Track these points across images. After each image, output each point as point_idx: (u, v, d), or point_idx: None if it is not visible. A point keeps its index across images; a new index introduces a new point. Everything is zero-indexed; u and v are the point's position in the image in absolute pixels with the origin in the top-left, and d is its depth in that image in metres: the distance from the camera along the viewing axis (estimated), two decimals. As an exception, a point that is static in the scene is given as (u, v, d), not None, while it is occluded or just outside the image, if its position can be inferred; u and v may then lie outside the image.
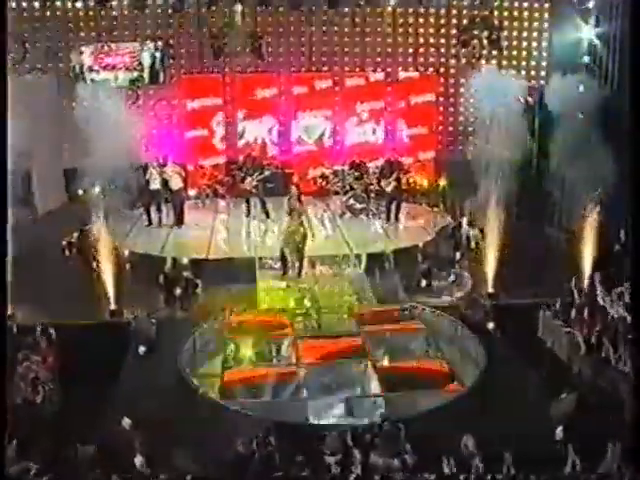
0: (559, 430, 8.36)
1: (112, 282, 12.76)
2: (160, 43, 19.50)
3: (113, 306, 12.48)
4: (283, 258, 13.47)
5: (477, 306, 12.47)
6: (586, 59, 17.12)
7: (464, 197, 16.77)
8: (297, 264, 13.39)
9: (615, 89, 16.67)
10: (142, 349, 10.93)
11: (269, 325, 11.09)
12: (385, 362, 10.22)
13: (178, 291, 13.09)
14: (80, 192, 17.32)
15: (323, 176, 19.15)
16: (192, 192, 19.30)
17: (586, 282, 12.61)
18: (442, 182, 19.44)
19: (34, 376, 9.82)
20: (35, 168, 18.39)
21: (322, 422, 8.76)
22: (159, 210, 17.16)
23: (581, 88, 16.54)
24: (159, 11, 19.66)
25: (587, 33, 17.01)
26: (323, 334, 11.03)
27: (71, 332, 11.21)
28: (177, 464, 7.60)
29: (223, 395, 9.25)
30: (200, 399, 9.23)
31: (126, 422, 8.45)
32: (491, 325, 11.79)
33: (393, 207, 16.81)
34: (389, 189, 16.81)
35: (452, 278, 13.83)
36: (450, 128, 20.96)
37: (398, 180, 16.95)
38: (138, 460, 7.72)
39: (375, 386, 9.46)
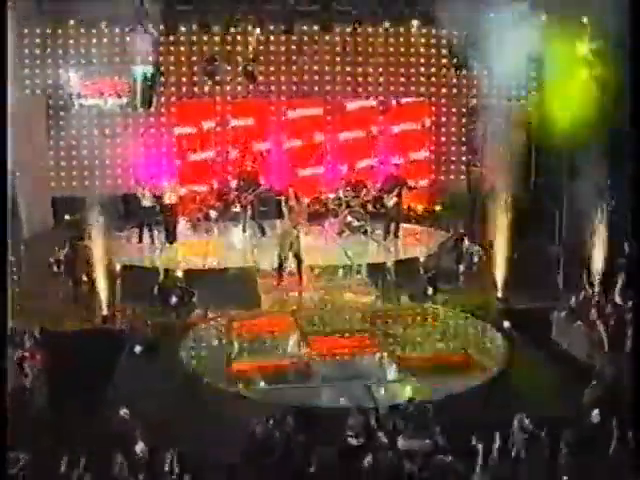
0: (595, 413, 7.82)
1: (104, 291, 12.20)
2: (151, 67, 19.23)
3: (105, 312, 11.83)
4: (280, 264, 12.97)
5: (490, 307, 12.01)
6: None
7: (461, 217, 16.64)
8: (296, 268, 12.87)
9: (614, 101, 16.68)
10: (138, 348, 10.29)
11: (273, 324, 10.57)
12: (401, 352, 9.69)
13: (174, 300, 12.51)
14: (67, 217, 16.92)
15: (318, 200, 18.74)
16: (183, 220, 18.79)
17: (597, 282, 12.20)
18: (437, 207, 19.27)
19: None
20: (21, 193, 18.05)
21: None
22: (150, 228, 16.58)
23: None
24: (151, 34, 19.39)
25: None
26: (331, 331, 10.51)
27: (63, 336, 10.59)
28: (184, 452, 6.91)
29: (230, 384, 8.66)
30: (206, 388, 8.61)
31: (124, 412, 7.84)
32: (507, 324, 11.30)
33: (392, 223, 16.39)
34: (390, 204, 16.48)
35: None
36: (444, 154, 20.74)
37: (399, 196, 16.59)
38: (139, 447, 7.06)
39: (393, 374, 8.92)
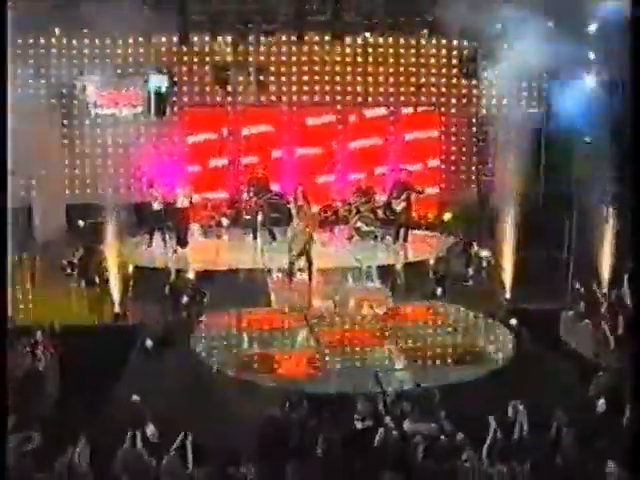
0: (601, 402, 7.90)
1: (116, 290, 12.39)
2: (164, 76, 19.56)
3: (117, 309, 12.01)
4: (290, 265, 13.12)
5: (497, 306, 12.14)
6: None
7: (472, 224, 16.79)
8: (307, 268, 13.00)
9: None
10: (149, 343, 10.45)
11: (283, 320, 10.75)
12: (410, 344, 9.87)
13: (185, 299, 12.69)
14: (81, 223, 17.14)
15: (329, 206, 18.93)
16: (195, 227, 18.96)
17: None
18: (448, 215, 19.38)
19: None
20: (36, 201, 18.38)
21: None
22: (163, 232, 16.76)
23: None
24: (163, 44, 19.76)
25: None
26: (340, 326, 10.67)
27: (76, 331, 10.78)
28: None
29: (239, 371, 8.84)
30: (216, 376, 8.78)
31: (135, 399, 7.98)
32: (514, 321, 11.42)
33: (402, 228, 16.54)
34: (399, 209, 16.61)
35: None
36: (454, 163, 20.89)
37: (408, 200, 16.69)
38: (149, 430, 7.18)
39: (402, 364, 9.07)
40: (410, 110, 20.20)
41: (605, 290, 12.30)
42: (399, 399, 7.66)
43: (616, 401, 7.99)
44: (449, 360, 9.94)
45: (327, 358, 9.82)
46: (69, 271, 14.90)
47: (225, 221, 19.15)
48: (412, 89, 20.31)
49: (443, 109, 20.53)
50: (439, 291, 13.32)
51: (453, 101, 20.70)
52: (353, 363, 9.49)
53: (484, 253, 15.23)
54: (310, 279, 13.16)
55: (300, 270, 13.24)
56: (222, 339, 11.10)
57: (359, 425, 7.10)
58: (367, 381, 8.66)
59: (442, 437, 6.75)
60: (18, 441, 6.73)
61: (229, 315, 11.91)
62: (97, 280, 13.59)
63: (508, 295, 12.97)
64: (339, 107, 20.14)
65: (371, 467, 5.76)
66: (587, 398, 8.47)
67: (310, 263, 13.18)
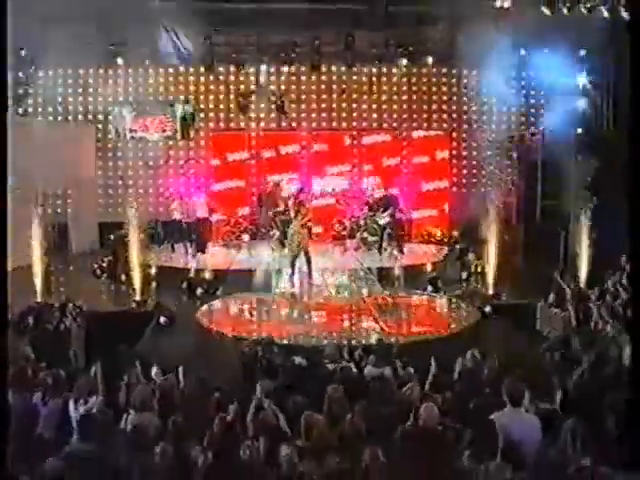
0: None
1: (138, 284, 13.85)
2: (190, 104, 21.38)
3: (138, 298, 13.50)
4: (292, 262, 14.46)
5: (478, 296, 13.40)
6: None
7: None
8: (305, 267, 14.36)
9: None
10: (163, 319, 11.92)
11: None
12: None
13: (200, 291, 14.21)
14: (111, 237, 18.70)
15: (340, 222, 20.36)
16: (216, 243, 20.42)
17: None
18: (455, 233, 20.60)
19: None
20: (71, 217, 20.13)
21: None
22: (183, 240, 18.29)
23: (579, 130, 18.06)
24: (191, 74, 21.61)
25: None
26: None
27: (101, 314, 12.32)
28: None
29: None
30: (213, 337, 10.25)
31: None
32: (488, 308, 12.61)
33: (390, 238, 17.56)
34: (382, 222, 17.59)
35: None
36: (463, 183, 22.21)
37: (393, 215, 17.67)
38: (154, 370, 8.49)
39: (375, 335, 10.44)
40: (420, 134, 21.62)
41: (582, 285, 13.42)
42: (364, 351, 8.92)
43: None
44: (416, 329, 11.18)
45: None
46: (99, 273, 16.54)
47: (245, 236, 20.73)
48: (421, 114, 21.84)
49: (450, 132, 21.92)
50: (429, 288, 14.52)
51: (462, 125, 22.10)
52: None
53: (478, 261, 16.32)
54: (310, 273, 14.47)
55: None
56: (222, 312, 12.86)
57: (329, 367, 8.36)
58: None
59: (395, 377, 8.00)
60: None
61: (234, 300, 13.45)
62: (123, 278, 15.11)
63: (491, 291, 14.07)
64: (352, 131, 21.66)
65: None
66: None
67: (309, 260, 14.49)
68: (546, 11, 13.43)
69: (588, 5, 12.78)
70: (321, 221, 20.70)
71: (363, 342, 9.90)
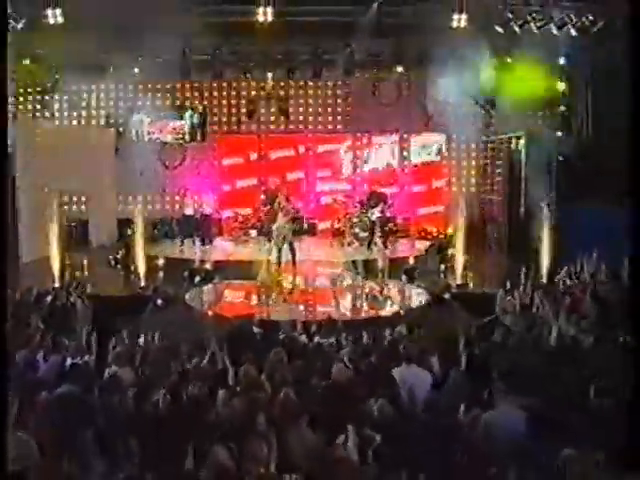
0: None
1: (143, 272, 15.73)
2: (199, 110, 23.21)
3: (143, 284, 15.37)
4: (278, 254, 16.10)
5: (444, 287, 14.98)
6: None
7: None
8: (290, 255, 16.02)
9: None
10: (160, 301, 13.74)
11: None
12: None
13: (197, 279, 16.01)
14: (129, 232, 20.47)
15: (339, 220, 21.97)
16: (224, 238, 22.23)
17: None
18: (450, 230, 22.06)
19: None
20: (91, 214, 22.03)
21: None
22: (192, 234, 20.13)
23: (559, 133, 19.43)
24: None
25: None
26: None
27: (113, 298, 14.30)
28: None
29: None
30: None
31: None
32: (447, 295, 14.18)
33: (379, 235, 18.91)
34: (373, 218, 19.07)
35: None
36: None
37: (382, 212, 19.19)
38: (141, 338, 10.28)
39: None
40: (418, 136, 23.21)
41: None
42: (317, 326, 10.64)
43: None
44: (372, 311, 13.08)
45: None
46: (113, 264, 18.41)
47: (252, 232, 22.47)
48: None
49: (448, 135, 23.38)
50: (403, 278, 16.10)
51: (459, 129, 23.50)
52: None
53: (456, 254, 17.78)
54: (294, 263, 16.16)
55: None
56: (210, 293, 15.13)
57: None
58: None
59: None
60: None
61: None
62: (132, 268, 16.94)
63: (459, 281, 15.62)
64: (353, 134, 23.33)
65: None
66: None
67: (293, 252, 16.17)
68: (499, 29, 14.82)
69: (538, 24, 14.09)
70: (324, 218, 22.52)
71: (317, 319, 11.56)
